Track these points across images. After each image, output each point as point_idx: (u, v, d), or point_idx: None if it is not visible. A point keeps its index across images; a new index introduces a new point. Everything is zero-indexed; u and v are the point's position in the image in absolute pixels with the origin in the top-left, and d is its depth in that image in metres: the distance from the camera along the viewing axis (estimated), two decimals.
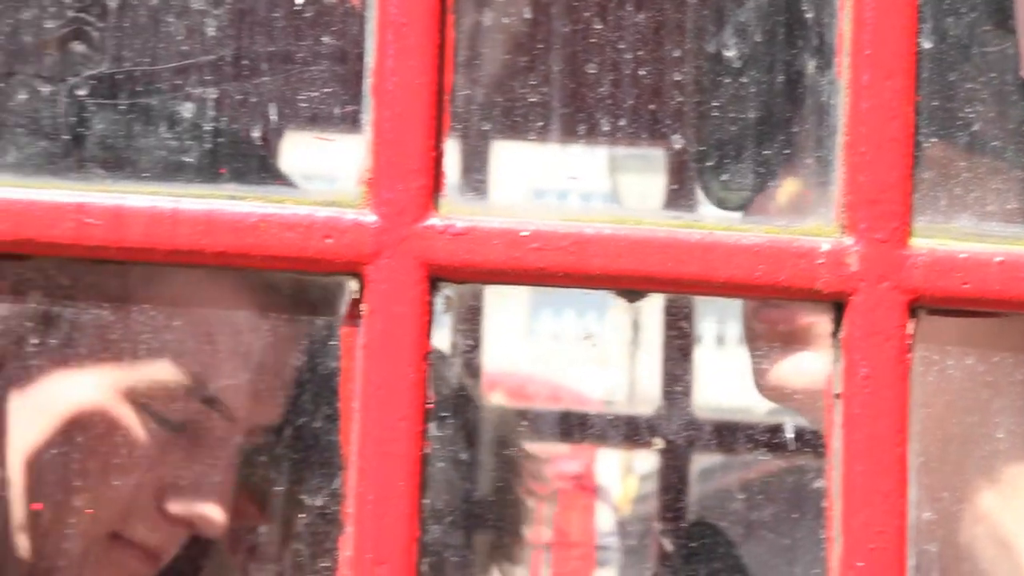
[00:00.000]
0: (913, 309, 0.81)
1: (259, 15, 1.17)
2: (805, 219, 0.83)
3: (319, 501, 1.26)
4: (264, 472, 1.32)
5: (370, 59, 0.81)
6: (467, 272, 0.81)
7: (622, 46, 1.34)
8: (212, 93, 1.12)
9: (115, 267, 0.81)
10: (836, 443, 0.80)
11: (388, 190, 0.81)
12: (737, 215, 1.15)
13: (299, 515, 1.30)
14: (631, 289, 0.83)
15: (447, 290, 0.82)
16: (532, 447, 1.54)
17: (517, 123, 1.61)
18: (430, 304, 0.80)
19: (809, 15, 1.08)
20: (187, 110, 1.11)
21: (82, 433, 1.08)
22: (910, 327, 0.81)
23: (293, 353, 1.16)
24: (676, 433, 1.94)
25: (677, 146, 1.14)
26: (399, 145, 0.81)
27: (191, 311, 1.10)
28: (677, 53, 1.24)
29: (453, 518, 1.36)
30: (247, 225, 0.80)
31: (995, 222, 1.09)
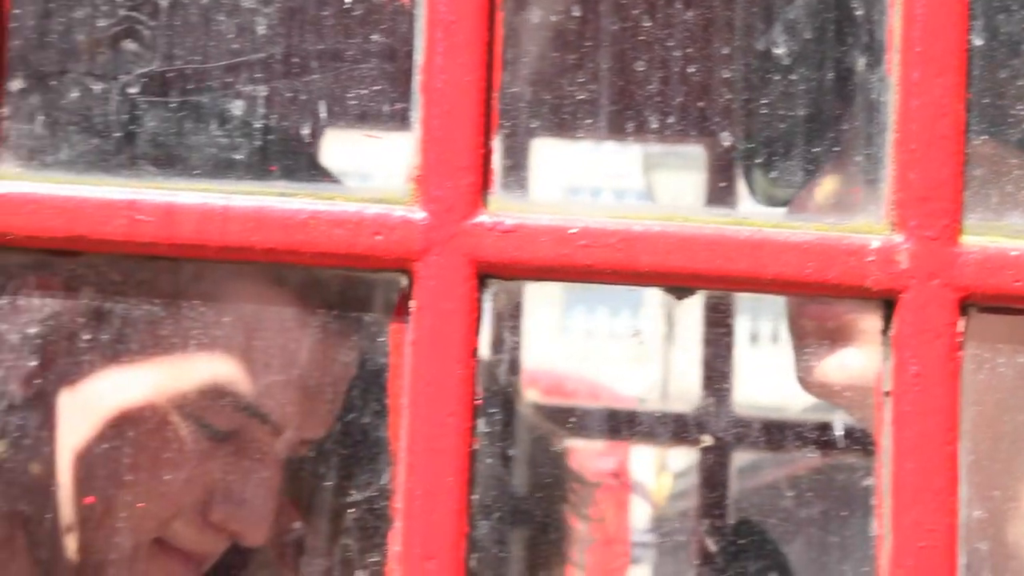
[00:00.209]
0: (964, 307, 0.81)
1: (309, 13, 1.18)
2: (854, 216, 0.83)
3: (368, 496, 1.27)
4: (308, 471, 1.33)
5: (419, 57, 0.81)
6: (515, 269, 0.82)
7: (669, 44, 1.33)
8: (262, 91, 1.12)
9: (165, 266, 0.82)
10: (886, 441, 0.80)
11: (437, 187, 0.81)
12: (781, 212, 1.14)
13: (348, 510, 1.30)
14: (679, 286, 0.83)
15: (495, 287, 0.82)
16: (579, 470, 1.54)
17: (557, 120, 1.61)
18: (479, 301, 0.81)
19: (859, 12, 1.08)
20: (237, 108, 1.12)
21: (127, 436, 1.08)
22: (960, 325, 0.80)
23: (343, 372, 1.16)
24: (717, 430, 1.94)
25: (725, 143, 1.14)
26: (448, 142, 0.81)
27: (243, 324, 1.10)
28: (725, 51, 1.24)
29: (500, 514, 1.36)
30: (297, 222, 0.81)
31: None
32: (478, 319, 0.80)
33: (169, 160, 1.07)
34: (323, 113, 1.20)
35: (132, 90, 1.07)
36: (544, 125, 1.67)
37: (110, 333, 1.10)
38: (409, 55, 0.82)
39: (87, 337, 1.10)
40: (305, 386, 1.12)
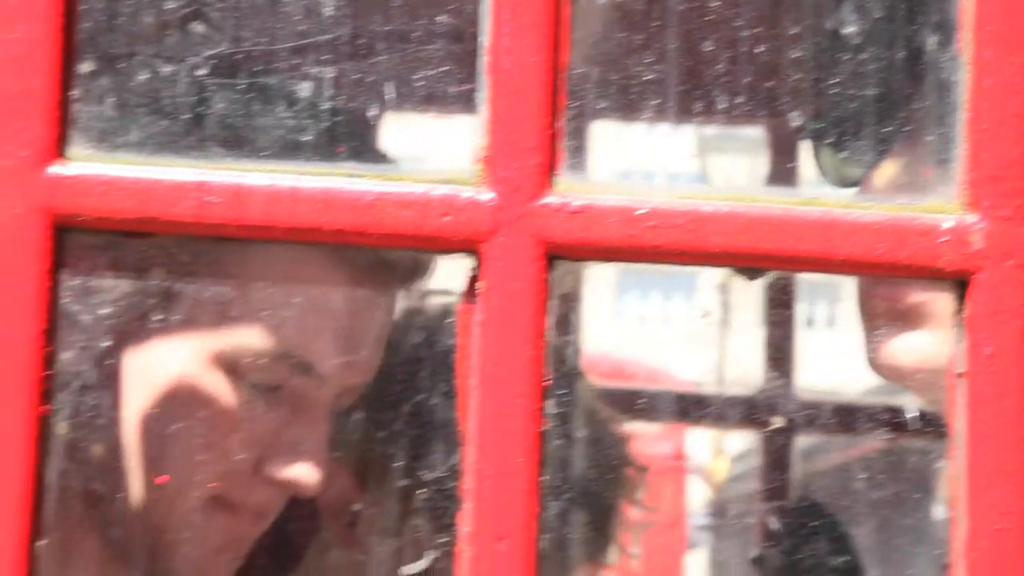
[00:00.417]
0: None
1: None
2: (926, 196, 0.82)
3: (437, 477, 1.27)
4: (364, 445, 1.33)
5: (485, 38, 0.81)
6: (583, 250, 0.81)
7: (737, 23, 1.32)
8: (329, 72, 1.12)
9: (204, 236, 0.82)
10: (959, 423, 0.79)
11: (505, 168, 0.81)
12: (851, 192, 1.13)
13: (417, 491, 1.30)
14: (750, 267, 0.83)
15: (562, 268, 0.82)
16: (634, 455, 1.54)
17: (618, 102, 1.60)
18: (547, 282, 0.80)
19: None
20: (305, 89, 1.12)
21: (179, 401, 1.09)
22: None
23: (379, 312, 1.16)
24: (780, 413, 1.93)
25: (793, 123, 1.13)
26: (515, 123, 0.81)
27: (279, 276, 1.11)
28: (795, 30, 1.23)
29: (569, 495, 1.36)
30: (364, 203, 0.81)
31: None
32: (546, 300, 0.80)
33: (238, 141, 1.08)
34: (389, 95, 1.20)
35: (200, 72, 1.08)
36: (604, 107, 1.67)
37: (158, 306, 1.10)
38: (475, 36, 0.81)
39: (149, 312, 1.10)
40: (344, 333, 1.13)
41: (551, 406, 0.80)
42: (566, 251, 0.81)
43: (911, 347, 1.10)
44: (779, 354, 2.00)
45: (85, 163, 0.80)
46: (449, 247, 0.81)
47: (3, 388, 0.79)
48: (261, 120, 1.09)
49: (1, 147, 0.80)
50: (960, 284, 0.80)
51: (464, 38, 1.05)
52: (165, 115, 1.08)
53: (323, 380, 1.13)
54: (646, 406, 2.11)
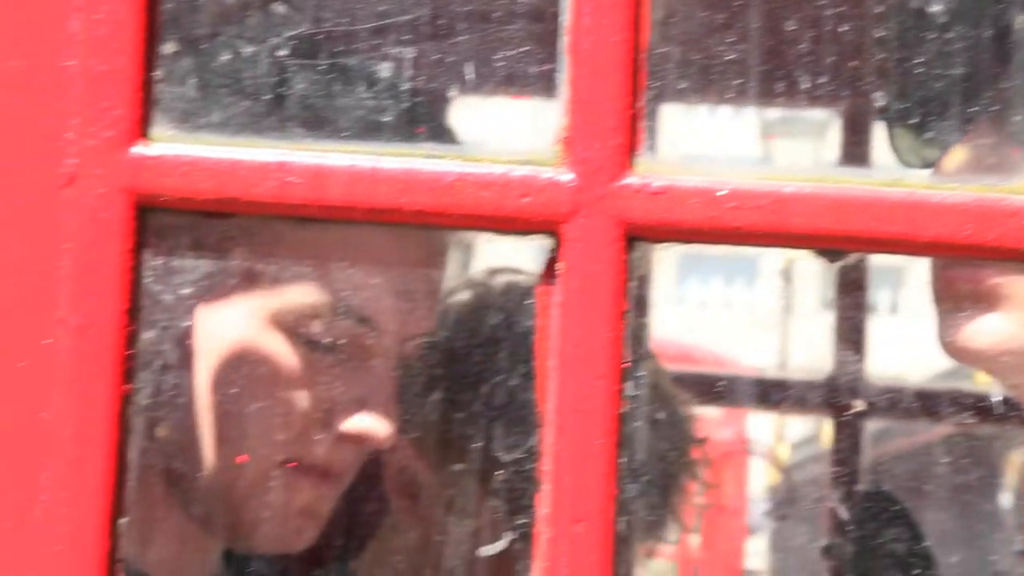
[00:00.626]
0: None
1: None
2: (1013, 177, 0.81)
3: (515, 459, 1.27)
4: (442, 426, 1.34)
5: (566, 17, 0.81)
6: (664, 231, 0.81)
7: (819, 2, 1.31)
8: (409, 53, 1.12)
9: None
10: None
11: (585, 149, 0.80)
12: (927, 173, 1.12)
13: (495, 472, 1.31)
14: (832, 249, 0.82)
15: (642, 249, 0.81)
16: (699, 438, 1.54)
17: (693, 84, 1.59)
18: (627, 263, 0.80)
19: None
20: (385, 69, 1.12)
21: (242, 366, 1.10)
22: None
23: (431, 258, 1.16)
24: (852, 398, 1.91)
25: (878, 103, 1.12)
26: (596, 103, 0.80)
27: (332, 235, 1.11)
28: (878, 9, 1.21)
29: (647, 477, 1.36)
30: (444, 184, 0.81)
31: None
32: (626, 282, 0.80)
33: (318, 122, 1.08)
34: (469, 75, 1.20)
35: (281, 52, 1.08)
36: (682, 88, 1.66)
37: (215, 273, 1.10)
38: (556, 16, 0.81)
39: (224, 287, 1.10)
40: (398, 283, 1.13)
41: (630, 388, 0.80)
42: (646, 232, 0.81)
43: (990, 329, 1.09)
44: (851, 339, 1.98)
45: (168, 144, 0.81)
46: (529, 228, 0.81)
47: (87, 368, 0.79)
48: (341, 101, 1.09)
49: (86, 127, 0.80)
50: None
51: (544, 18, 1.04)
52: (246, 96, 1.08)
53: (382, 331, 1.13)
54: (720, 391, 2.10)
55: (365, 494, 1.28)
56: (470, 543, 1.34)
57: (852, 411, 1.87)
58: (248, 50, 1.09)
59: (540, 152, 0.81)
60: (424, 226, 0.91)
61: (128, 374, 0.80)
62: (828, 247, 0.81)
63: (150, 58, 0.81)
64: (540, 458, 0.79)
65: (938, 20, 1.08)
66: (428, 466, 1.38)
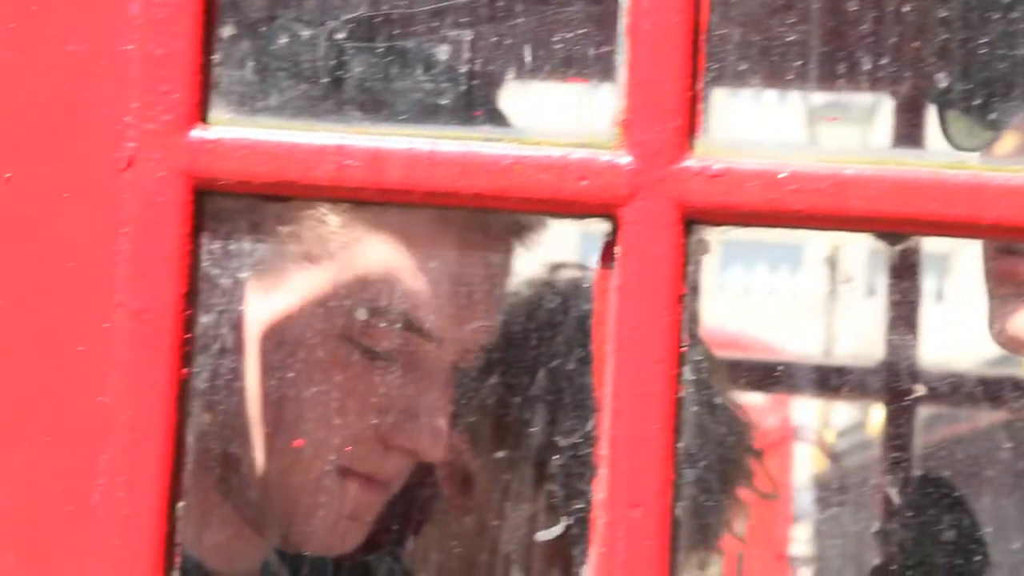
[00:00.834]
0: None
1: None
2: None
3: (572, 443, 1.26)
4: (500, 410, 1.33)
5: None
6: (723, 215, 0.80)
7: None
8: (467, 35, 1.12)
9: None
10: None
11: (644, 131, 0.80)
12: (977, 156, 1.11)
13: (552, 457, 1.30)
14: (892, 232, 0.81)
15: (702, 232, 0.81)
16: (751, 430, 1.52)
17: (753, 67, 1.58)
18: (685, 246, 0.79)
19: None
20: (442, 52, 1.12)
21: (296, 370, 1.09)
22: None
23: (492, 270, 1.15)
24: (902, 385, 1.90)
25: (940, 84, 1.10)
26: (655, 86, 0.80)
27: (388, 241, 1.10)
28: None
29: (704, 463, 1.35)
30: (502, 167, 0.80)
31: None
32: (685, 264, 0.79)
33: (376, 105, 1.08)
34: (527, 58, 1.20)
35: (339, 36, 1.08)
36: (736, 71, 1.64)
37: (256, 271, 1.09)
38: None
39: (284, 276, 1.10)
40: (456, 294, 1.12)
41: (687, 372, 0.79)
42: (705, 215, 0.80)
43: None
44: (902, 325, 1.97)
45: (226, 127, 0.81)
46: (587, 211, 0.80)
47: (145, 352, 0.80)
48: (399, 84, 1.09)
49: (145, 111, 0.80)
50: None
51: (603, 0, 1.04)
52: (304, 79, 1.08)
53: (439, 342, 1.12)
54: (773, 378, 2.09)
55: (418, 481, 1.28)
56: (526, 528, 1.34)
57: (913, 396, 1.85)
58: (306, 33, 1.09)
59: (597, 135, 0.81)
60: (482, 209, 0.91)
61: (186, 358, 0.80)
62: (888, 230, 0.80)
63: (208, 41, 0.81)
64: (597, 443, 0.79)
65: (1000, 1, 1.07)
66: (482, 452, 1.38)
